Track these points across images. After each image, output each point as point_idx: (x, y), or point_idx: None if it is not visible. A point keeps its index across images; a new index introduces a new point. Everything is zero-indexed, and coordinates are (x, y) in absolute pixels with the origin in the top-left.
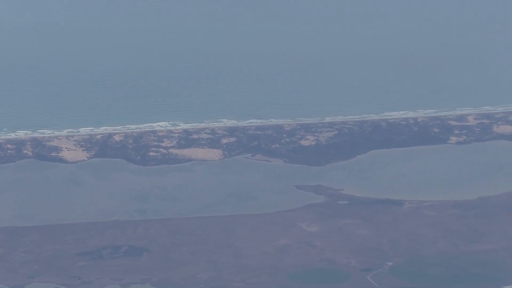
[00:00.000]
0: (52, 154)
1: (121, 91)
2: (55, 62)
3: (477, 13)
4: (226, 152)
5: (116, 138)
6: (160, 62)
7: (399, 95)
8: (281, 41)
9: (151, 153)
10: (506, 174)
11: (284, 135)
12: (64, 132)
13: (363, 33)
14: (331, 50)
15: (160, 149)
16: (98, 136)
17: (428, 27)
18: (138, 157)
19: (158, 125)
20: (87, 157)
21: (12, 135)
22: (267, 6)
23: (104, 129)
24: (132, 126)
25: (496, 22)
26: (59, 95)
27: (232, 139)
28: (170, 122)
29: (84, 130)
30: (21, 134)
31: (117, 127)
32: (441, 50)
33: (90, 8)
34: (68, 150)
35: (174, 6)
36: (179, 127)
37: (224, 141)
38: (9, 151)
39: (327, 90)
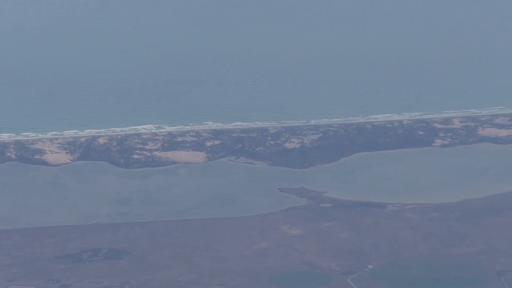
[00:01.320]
0: (36, 157)
1: (107, 94)
2: (40, 65)
3: (463, 16)
4: (210, 154)
5: (100, 140)
6: (146, 65)
7: (385, 98)
8: (267, 44)
9: (135, 156)
10: (489, 177)
11: (269, 138)
12: (48, 135)
13: (349, 36)
14: (317, 53)
15: (144, 152)
16: (82, 139)
17: (415, 30)
18: (122, 160)
19: (143, 128)
20: (70, 160)
21: None
22: (251, 9)
23: (88, 132)
24: (117, 129)
25: (482, 25)
26: (43, 97)
27: (217, 142)
28: (155, 125)
29: (69, 133)
30: (4, 137)
31: (102, 130)
32: (428, 53)
33: (75, 10)
34: (51, 153)
35: (159, 9)
36: (164, 130)
37: (208, 143)
38: None
39: (313, 93)
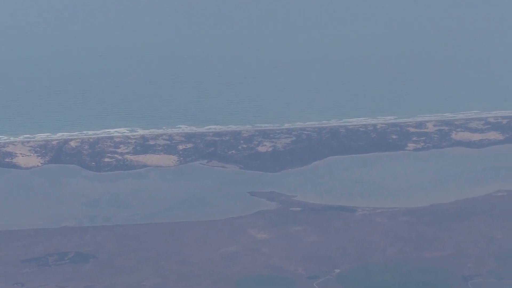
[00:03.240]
0: (6, 160)
1: (80, 97)
2: (13, 67)
3: (438, 21)
4: (181, 158)
5: (72, 144)
6: (121, 68)
7: (361, 101)
8: (242, 47)
9: (106, 159)
10: (460, 181)
11: (242, 141)
12: (20, 138)
13: (323, 39)
14: (293, 56)
15: (116, 155)
16: (54, 142)
17: (390, 35)
18: (93, 163)
19: (116, 131)
20: (41, 163)
21: None
22: (226, 14)
23: (60, 135)
24: (90, 132)
25: (458, 30)
26: (16, 100)
27: (189, 145)
28: (128, 128)
29: (41, 136)
30: None
31: (74, 133)
32: (405, 57)
33: (48, 13)
34: (22, 156)
35: (134, 13)
36: (137, 133)
37: (180, 147)
38: None
39: (288, 96)
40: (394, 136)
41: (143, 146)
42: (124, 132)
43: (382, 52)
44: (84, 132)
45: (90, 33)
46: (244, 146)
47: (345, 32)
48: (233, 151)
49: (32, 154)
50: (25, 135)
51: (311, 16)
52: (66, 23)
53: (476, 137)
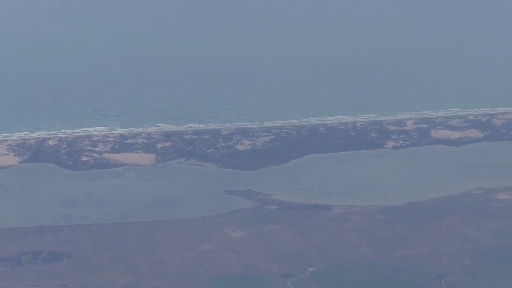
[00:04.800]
0: None
1: (59, 96)
2: None
3: (419, 20)
4: (159, 157)
5: (50, 142)
6: (99, 67)
7: (341, 100)
8: (222, 46)
9: (84, 158)
10: (438, 179)
11: (220, 140)
12: None
13: (304, 37)
14: (274, 54)
15: (93, 154)
16: (32, 141)
17: (370, 34)
18: (70, 162)
19: (95, 130)
20: (18, 162)
21: None
22: (204, 11)
23: (39, 134)
24: (68, 131)
25: (437, 28)
26: None
27: (167, 144)
28: (107, 127)
29: (19, 135)
30: None
31: (53, 132)
32: (386, 55)
33: (24, 12)
34: (0, 155)
35: (111, 11)
36: (115, 132)
37: (159, 145)
38: None
39: (268, 95)
40: (373, 134)
41: (122, 144)
42: (103, 131)
43: (363, 51)
44: (63, 130)
45: (69, 32)
46: (223, 144)
47: (325, 32)
48: (212, 150)
49: (9, 153)
50: (3, 134)
51: (291, 16)
52: (45, 23)
53: (456, 135)
